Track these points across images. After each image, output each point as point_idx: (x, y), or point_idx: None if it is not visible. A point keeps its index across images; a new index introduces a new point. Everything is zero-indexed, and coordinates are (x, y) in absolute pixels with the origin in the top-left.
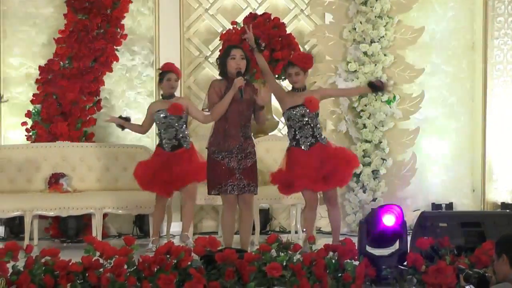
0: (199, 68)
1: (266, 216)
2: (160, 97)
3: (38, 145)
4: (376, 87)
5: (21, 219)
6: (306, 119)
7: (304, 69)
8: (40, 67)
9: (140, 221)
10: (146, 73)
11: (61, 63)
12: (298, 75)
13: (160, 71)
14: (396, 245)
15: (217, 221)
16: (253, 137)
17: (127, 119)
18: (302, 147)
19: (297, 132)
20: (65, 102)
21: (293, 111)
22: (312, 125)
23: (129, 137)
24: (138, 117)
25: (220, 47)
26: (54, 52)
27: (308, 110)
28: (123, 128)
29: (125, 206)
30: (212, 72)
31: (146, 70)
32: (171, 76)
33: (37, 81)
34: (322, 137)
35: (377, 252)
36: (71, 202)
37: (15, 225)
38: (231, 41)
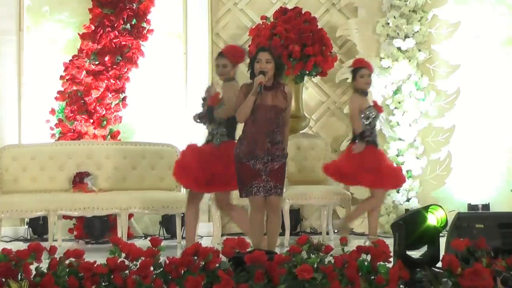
0: None
1: (296, 216)
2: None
3: (62, 143)
4: None
5: (44, 219)
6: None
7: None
8: (64, 63)
9: (167, 222)
10: (173, 69)
11: (86, 59)
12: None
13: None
14: (425, 247)
15: None
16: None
17: None
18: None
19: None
20: (90, 100)
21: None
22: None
23: (156, 135)
24: (165, 114)
25: (250, 43)
26: (78, 47)
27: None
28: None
29: (151, 206)
30: (241, 68)
31: (173, 66)
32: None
33: (61, 77)
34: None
35: (412, 254)
36: (96, 202)
37: (38, 226)
38: (260, 36)
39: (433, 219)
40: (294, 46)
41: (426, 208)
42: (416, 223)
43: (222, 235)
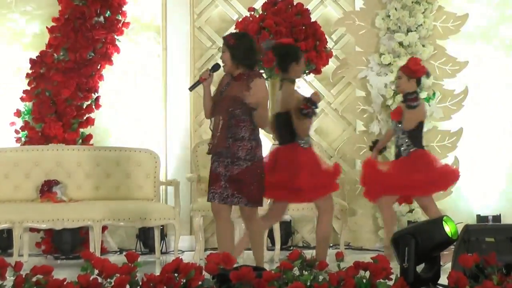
0: (212, 61)
1: (287, 229)
2: None
3: (28, 148)
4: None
5: (9, 232)
6: None
7: None
8: (31, 59)
9: (145, 235)
10: (151, 66)
11: (55, 55)
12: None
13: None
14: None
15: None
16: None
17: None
18: None
19: None
20: (60, 100)
21: None
22: None
23: (132, 139)
24: (142, 117)
25: None
26: (47, 42)
27: None
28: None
29: (127, 218)
30: None
31: (151, 63)
32: None
33: (27, 75)
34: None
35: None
36: (66, 213)
37: (2, 239)
38: (248, 30)
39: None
40: None
41: (440, 220)
42: (431, 236)
43: (206, 249)
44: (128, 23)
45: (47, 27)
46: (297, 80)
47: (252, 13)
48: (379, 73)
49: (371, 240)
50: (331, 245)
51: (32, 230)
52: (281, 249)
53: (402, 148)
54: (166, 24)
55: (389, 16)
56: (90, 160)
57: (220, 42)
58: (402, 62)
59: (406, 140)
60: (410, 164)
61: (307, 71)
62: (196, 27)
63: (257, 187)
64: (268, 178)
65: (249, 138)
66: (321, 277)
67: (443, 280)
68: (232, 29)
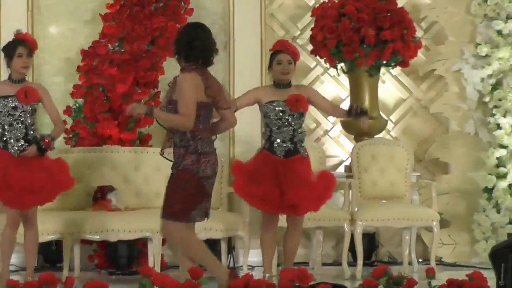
0: None
1: (371, 242)
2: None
3: (79, 149)
4: (356, 114)
5: (58, 244)
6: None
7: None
8: (82, 50)
9: (210, 248)
10: (217, 57)
11: (109, 45)
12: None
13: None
14: None
15: (308, 248)
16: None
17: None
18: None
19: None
20: (115, 96)
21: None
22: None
23: None
24: None
25: (312, 25)
26: (100, 32)
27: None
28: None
29: None
30: (303, 57)
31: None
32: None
33: (79, 68)
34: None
35: None
36: (121, 223)
37: (51, 252)
38: (326, 17)
39: None
40: (367, 29)
41: None
42: None
43: (279, 264)
44: (191, 10)
45: (100, 15)
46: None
47: None
48: (474, 66)
49: (466, 255)
50: (419, 260)
51: (83, 242)
52: (364, 264)
53: None
54: (234, 11)
55: (486, 1)
56: (149, 163)
57: (294, 31)
58: (501, 53)
59: None
60: None
61: (393, 64)
62: (268, 14)
63: (175, 198)
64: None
65: (179, 144)
66: None
67: None
68: (308, 16)
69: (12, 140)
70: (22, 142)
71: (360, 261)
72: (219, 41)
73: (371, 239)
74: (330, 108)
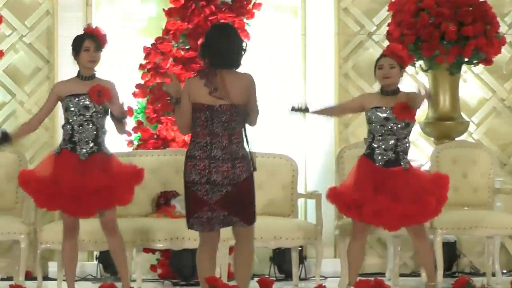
0: (360, 49)
1: (452, 252)
2: None
3: (142, 153)
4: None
5: None
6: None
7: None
8: (145, 48)
9: (280, 258)
10: (287, 55)
11: (174, 42)
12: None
13: None
14: None
15: (384, 258)
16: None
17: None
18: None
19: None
20: None
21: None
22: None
23: (265, 142)
24: (277, 116)
25: (389, 21)
26: (164, 28)
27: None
28: None
29: (259, 237)
30: (377, 54)
31: (287, 51)
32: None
33: (141, 67)
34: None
35: None
36: (186, 231)
37: (111, 261)
38: (403, 12)
39: None
40: (448, 25)
41: None
42: None
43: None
44: (259, 4)
45: (164, 10)
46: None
47: None
48: None
49: None
50: (503, 271)
51: (146, 250)
52: (444, 275)
53: None
54: (305, 5)
55: None
56: None
57: (370, 27)
58: None
59: None
60: None
61: (475, 62)
62: (342, 8)
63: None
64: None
65: None
66: None
67: None
68: (384, 11)
69: (81, 143)
70: (91, 144)
71: (440, 271)
72: (290, 37)
73: (451, 249)
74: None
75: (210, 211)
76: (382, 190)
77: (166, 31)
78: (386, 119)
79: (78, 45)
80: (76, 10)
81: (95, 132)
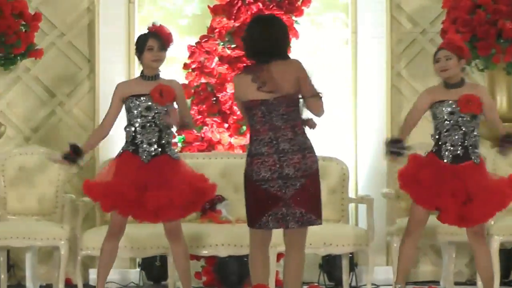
0: (413, 47)
1: (509, 259)
2: None
3: (186, 155)
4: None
5: (163, 259)
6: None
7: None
8: (189, 46)
9: (330, 265)
10: (337, 54)
11: (219, 41)
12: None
13: None
14: None
15: (438, 266)
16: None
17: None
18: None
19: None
20: (225, 97)
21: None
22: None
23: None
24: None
25: (443, 18)
26: (209, 26)
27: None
28: None
29: (307, 244)
30: (431, 52)
31: (337, 50)
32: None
33: (185, 66)
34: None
35: None
36: (232, 237)
37: (155, 269)
38: (458, 9)
39: None
40: (505, 22)
41: None
42: None
43: (407, 283)
44: (308, 1)
45: (209, 7)
46: None
47: None
48: None
49: None
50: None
51: (191, 257)
52: (501, 284)
53: None
54: (356, 2)
55: None
56: None
57: (423, 24)
58: None
59: None
60: None
61: None
62: (394, 5)
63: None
64: None
65: None
66: None
67: None
68: (439, 8)
69: (144, 145)
70: (155, 146)
71: (497, 280)
72: (340, 36)
73: (509, 256)
74: (491, 123)
75: (285, 207)
76: (453, 189)
77: (211, 29)
78: (451, 113)
79: (141, 44)
80: (118, 7)
81: (158, 134)
